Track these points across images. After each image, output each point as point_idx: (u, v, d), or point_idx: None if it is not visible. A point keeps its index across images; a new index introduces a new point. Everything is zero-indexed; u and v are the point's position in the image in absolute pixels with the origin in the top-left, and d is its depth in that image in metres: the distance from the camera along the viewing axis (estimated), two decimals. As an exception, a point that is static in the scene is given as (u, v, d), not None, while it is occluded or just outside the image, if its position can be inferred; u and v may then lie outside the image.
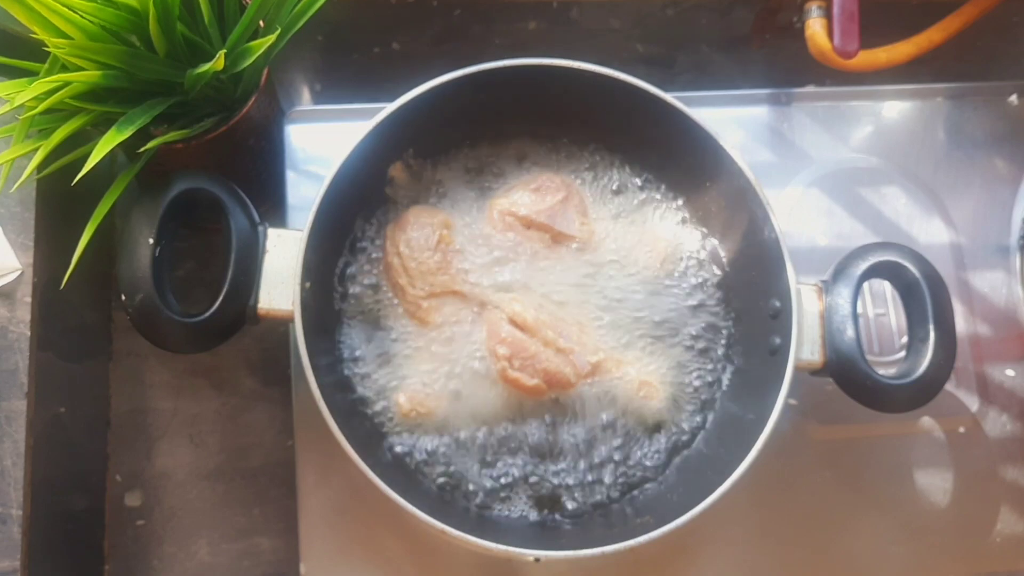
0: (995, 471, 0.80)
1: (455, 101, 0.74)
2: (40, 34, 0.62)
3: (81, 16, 0.63)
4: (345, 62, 0.94)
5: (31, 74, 0.66)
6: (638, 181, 0.81)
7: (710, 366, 0.77)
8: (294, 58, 0.93)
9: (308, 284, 0.69)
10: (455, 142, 0.80)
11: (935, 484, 0.79)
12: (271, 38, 0.66)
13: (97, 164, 0.63)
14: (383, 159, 0.77)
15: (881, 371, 0.71)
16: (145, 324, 0.67)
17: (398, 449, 0.72)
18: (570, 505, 0.72)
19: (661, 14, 0.94)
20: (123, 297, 0.66)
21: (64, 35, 0.63)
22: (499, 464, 0.73)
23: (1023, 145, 0.88)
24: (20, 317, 0.69)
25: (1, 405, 0.67)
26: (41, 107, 0.64)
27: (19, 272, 0.70)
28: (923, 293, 0.72)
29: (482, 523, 0.71)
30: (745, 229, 0.75)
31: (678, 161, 0.78)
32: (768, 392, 0.69)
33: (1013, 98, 0.90)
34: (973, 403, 0.81)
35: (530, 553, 0.65)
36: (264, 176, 0.81)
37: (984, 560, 0.78)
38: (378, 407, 0.73)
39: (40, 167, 0.65)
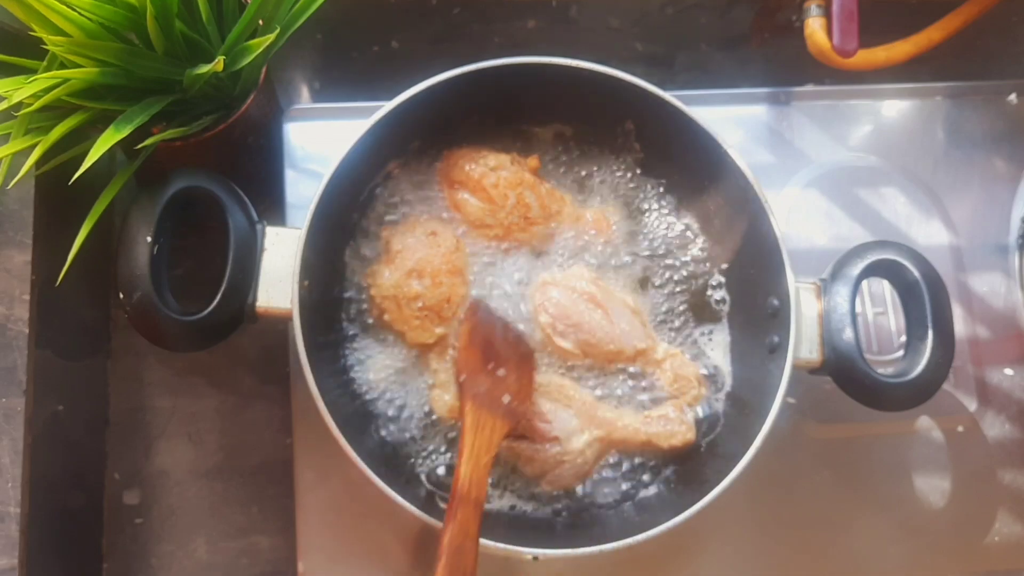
0: (993, 470, 0.80)
1: (454, 99, 0.74)
2: (38, 31, 0.62)
3: (79, 13, 0.63)
4: (344, 60, 0.94)
5: (29, 71, 0.66)
6: (637, 179, 0.81)
7: (708, 364, 0.77)
8: (293, 56, 0.93)
9: (307, 282, 0.69)
10: (453, 140, 0.80)
11: (933, 483, 0.79)
12: (270, 37, 0.66)
13: (95, 162, 0.63)
14: (382, 157, 0.77)
15: (879, 370, 0.71)
16: (143, 322, 0.67)
17: (397, 448, 0.72)
18: (570, 504, 0.73)
19: (660, 13, 0.94)
20: (121, 295, 0.66)
21: (62, 32, 0.63)
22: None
23: (1022, 144, 0.88)
24: (18, 315, 0.69)
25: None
26: (38, 104, 0.64)
27: None
28: (921, 292, 0.72)
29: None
30: (744, 228, 0.75)
31: (677, 159, 0.78)
32: (767, 390, 0.69)
33: (1012, 97, 0.90)
34: (971, 402, 0.81)
35: (528, 551, 0.64)
36: (263, 174, 0.81)
37: (982, 559, 0.78)
38: (377, 405, 0.73)
39: (38, 164, 0.65)
